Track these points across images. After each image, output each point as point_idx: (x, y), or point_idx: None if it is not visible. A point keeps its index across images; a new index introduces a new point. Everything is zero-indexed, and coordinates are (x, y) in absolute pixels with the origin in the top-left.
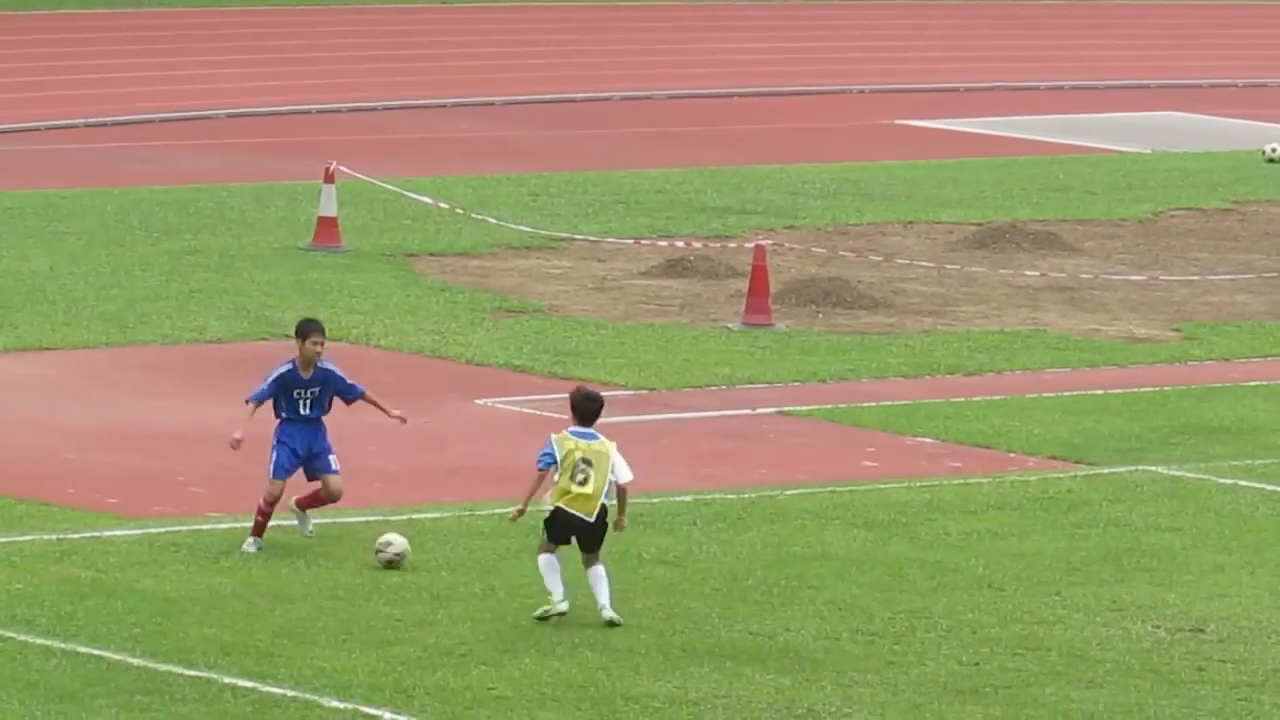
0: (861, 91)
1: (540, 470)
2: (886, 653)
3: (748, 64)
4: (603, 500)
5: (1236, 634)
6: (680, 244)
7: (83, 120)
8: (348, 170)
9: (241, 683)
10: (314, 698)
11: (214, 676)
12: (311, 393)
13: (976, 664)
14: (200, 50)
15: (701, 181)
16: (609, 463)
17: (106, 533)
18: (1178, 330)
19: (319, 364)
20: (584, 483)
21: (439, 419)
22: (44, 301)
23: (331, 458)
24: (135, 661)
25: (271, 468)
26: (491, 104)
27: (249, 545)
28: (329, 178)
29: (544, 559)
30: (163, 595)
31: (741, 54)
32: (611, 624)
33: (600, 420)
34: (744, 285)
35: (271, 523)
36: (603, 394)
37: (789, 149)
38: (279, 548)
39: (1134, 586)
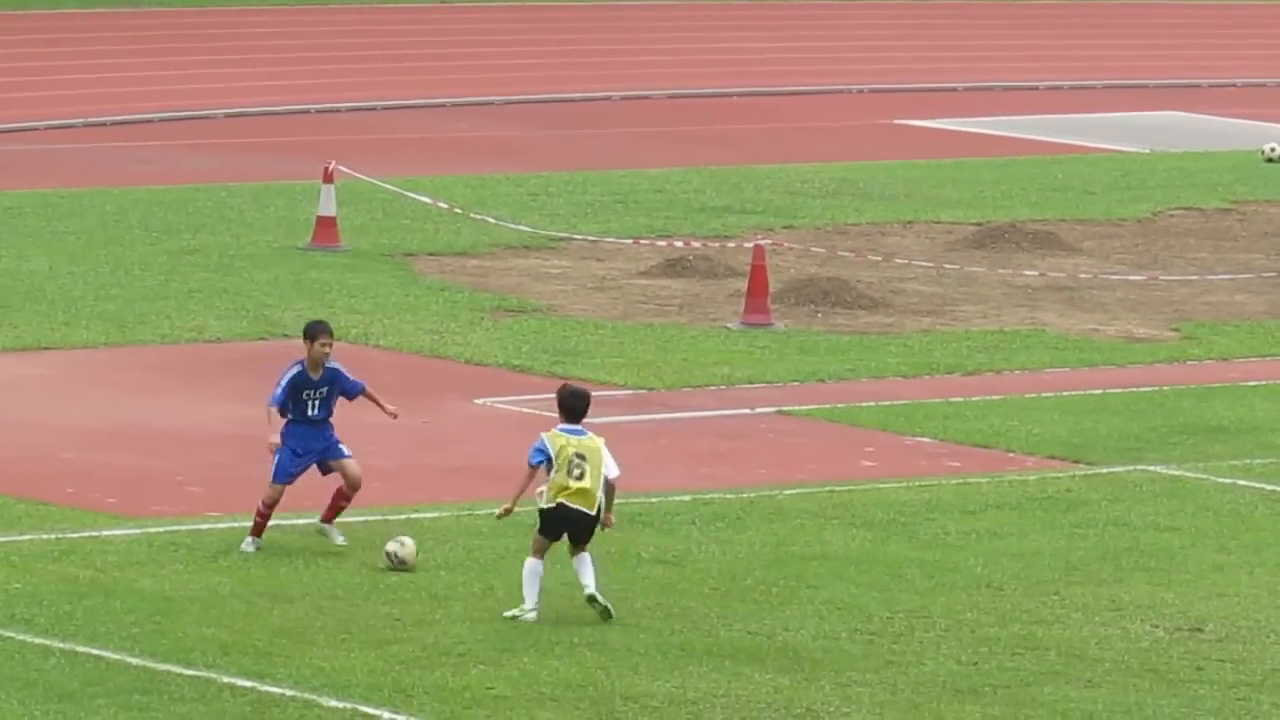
0: (860, 91)
1: (531, 467)
2: (885, 652)
3: (747, 63)
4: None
5: (1235, 633)
6: (679, 244)
7: (82, 120)
8: (347, 170)
9: (240, 682)
10: (313, 697)
11: (213, 676)
12: (320, 393)
13: (975, 663)
14: (199, 50)
15: (700, 181)
16: (601, 457)
17: (105, 532)
18: (1177, 330)
19: (325, 364)
20: (580, 477)
21: (438, 419)
22: (43, 301)
23: (342, 446)
24: (134, 661)
25: (273, 471)
26: (491, 104)
27: (247, 545)
28: (328, 177)
29: (530, 565)
30: (161, 595)
31: (740, 53)
32: (592, 600)
33: (600, 420)
34: (743, 285)
35: (271, 523)
36: (590, 391)
37: (788, 149)
38: (278, 547)
39: (1133, 586)
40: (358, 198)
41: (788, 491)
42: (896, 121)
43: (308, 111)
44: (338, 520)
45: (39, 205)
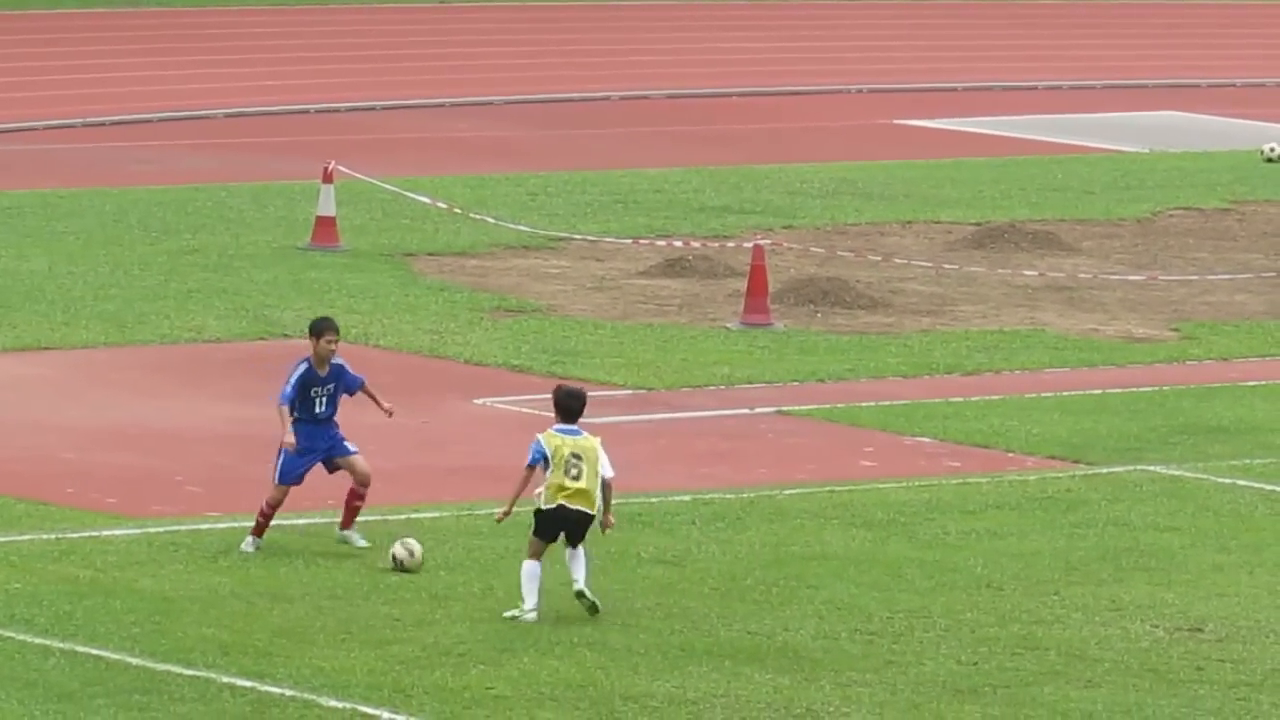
0: (860, 91)
1: (529, 467)
2: (885, 652)
3: (746, 63)
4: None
5: (1235, 633)
6: (679, 244)
7: (81, 120)
8: (346, 170)
9: (240, 682)
10: (312, 697)
11: (212, 676)
12: (327, 390)
13: (975, 663)
14: (198, 50)
15: (700, 181)
16: (597, 457)
17: (105, 532)
18: (1176, 330)
19: (330, 360)
20: (577, 477)
21: (437, 418)
22: (42, 301)
23: (348, 442)
24: (134, 661)
25: (277, 473)
26: (490, 104)
27: (247, 545)
28: (327, 177)
29: (528, 567)
30: (161, 595)
31: (739, 53)
32: (580, 595)
33: (600, 420)
34: (742, 285)
35: (271, 523)
36: (586, 391)
37: (787, 148)
38: (278, 547)
39: (1133, 586)
40: (357, 198)
41: (788, 491)
42: (896, 121)
43: (307, 111)
44: (356, 522)
45: (38, 205)
